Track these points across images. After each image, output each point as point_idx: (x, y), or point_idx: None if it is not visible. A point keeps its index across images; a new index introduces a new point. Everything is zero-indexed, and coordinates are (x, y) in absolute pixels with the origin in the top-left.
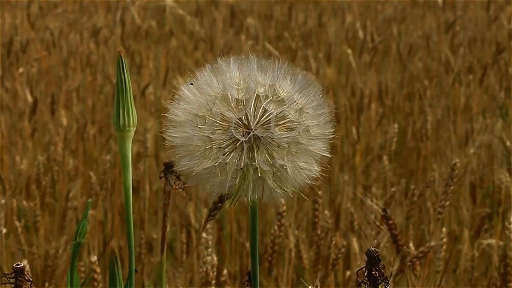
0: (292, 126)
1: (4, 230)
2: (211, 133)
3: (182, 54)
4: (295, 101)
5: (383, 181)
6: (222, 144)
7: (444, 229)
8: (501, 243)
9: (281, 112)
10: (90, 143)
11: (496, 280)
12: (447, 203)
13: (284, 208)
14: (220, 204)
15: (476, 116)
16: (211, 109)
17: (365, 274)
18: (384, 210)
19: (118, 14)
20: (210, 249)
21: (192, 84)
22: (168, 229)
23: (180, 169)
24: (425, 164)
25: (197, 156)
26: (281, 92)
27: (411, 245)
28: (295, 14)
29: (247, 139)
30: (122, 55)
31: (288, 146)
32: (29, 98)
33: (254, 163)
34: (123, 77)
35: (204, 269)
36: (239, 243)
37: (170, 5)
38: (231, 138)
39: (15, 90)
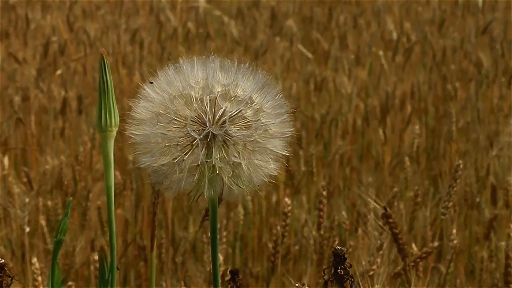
0: (250, 125)
1: (27, 229)
2: (169, 131)
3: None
4: (253, 101)
5: (404, 182)
6: (179, 142)
7: (454, 231)
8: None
9: (239, 111)
10: (120, 143)
11: (497, 281)
12: (450, 204)
13: (289, 208)
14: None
15: (506, 119)
16: (169, 107)
17: (331, 272)
18: (385, 208)
19: (157, 16)
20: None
21: (152, 83)
22: (192, 229)
23: (140, 166)
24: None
25: (155, 153)
26: (239, 91)
27: (413, 245)
28: (336, 16)
29: (202, 136)
30: (104, 56)
31: (244, 143)
32: (64, 99)
33: (210, 160)
34: (105, 78)
35: (208, 269)
36: (262, 244)
37: (207, 7)
38: (188, 136)
39: (51, 91)
